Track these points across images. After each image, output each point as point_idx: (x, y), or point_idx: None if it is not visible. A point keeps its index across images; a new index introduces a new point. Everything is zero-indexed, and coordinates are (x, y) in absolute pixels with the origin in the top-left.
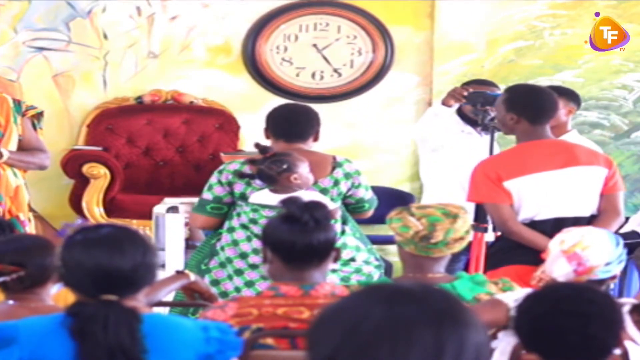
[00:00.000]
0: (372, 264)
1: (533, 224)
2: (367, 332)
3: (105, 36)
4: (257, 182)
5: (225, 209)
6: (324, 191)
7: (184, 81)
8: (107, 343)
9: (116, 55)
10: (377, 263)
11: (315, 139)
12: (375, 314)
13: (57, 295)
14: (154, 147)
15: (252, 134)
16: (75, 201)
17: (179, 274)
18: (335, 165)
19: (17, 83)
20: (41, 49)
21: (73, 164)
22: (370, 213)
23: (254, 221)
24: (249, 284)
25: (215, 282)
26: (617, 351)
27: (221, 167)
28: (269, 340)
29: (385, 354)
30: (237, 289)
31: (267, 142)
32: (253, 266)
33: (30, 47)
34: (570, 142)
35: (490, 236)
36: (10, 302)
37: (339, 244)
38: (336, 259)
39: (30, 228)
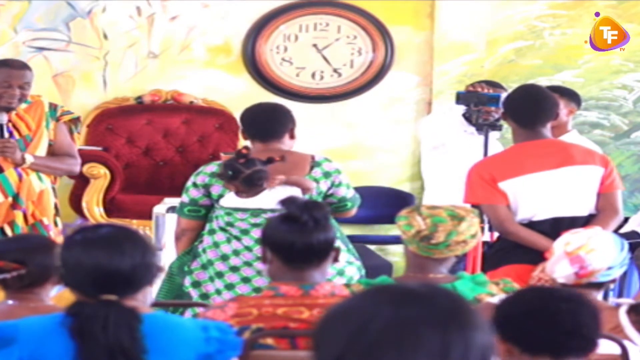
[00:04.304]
0: (355, 264)
1: (531, 225)
2: (374, 334)
3: (105, 36)
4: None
5: (203, 211)
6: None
7: (184, 81)
8: (107, 343)
9: (116, 55)
10: (358, 264)
11: (292, 137)
12: (382, 315)
13: (58, 296)
14: (154, 147)
15: None
16: (75, 201)
17: None
18: (314, 164)
19: None
20: (41, 49)
21: None
22: (353, 212)
23: (230, 224)
24: (229, 286)
25: (197, 284)
26: (617, 351)
27: (198, 170)
28: (269, 340)
29: (392, 355)
30: (218, 291)
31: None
32: (234, 268)
33: (30, 47)
34: (566, 141)
35: (485, 236)
36: (10, 301)
37: None
38: (335, 259)
39: (55, 232)
